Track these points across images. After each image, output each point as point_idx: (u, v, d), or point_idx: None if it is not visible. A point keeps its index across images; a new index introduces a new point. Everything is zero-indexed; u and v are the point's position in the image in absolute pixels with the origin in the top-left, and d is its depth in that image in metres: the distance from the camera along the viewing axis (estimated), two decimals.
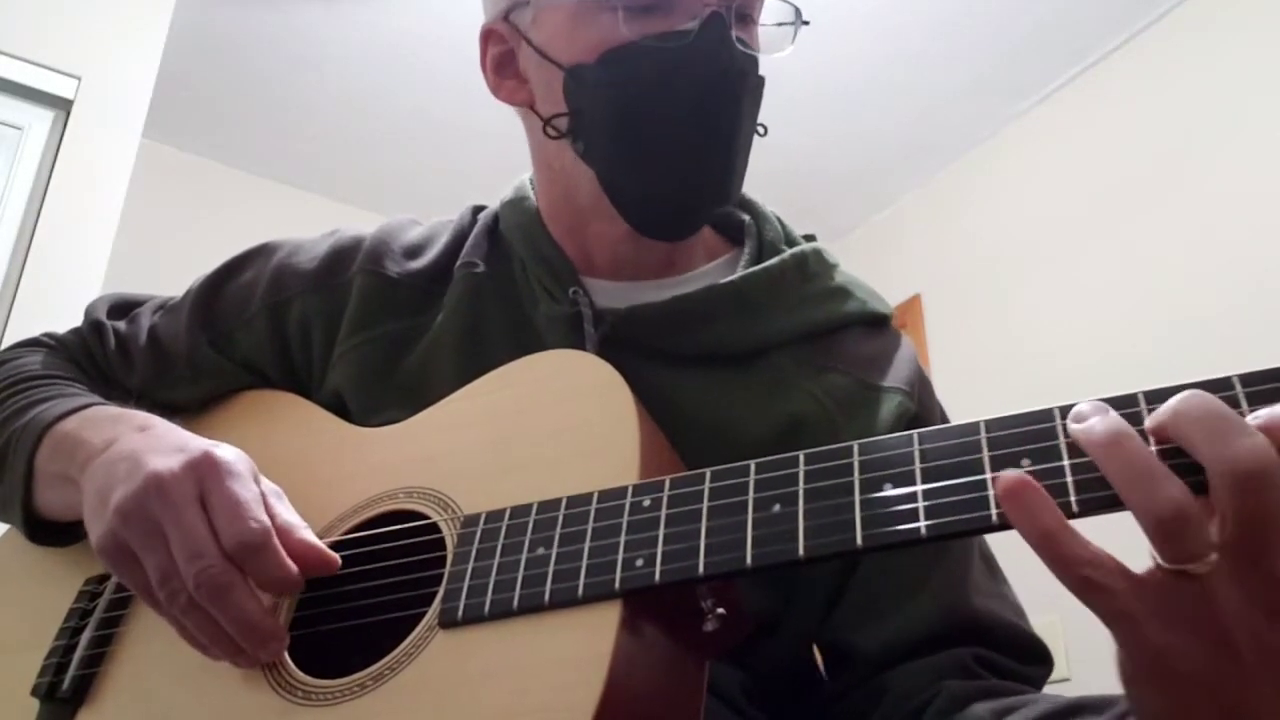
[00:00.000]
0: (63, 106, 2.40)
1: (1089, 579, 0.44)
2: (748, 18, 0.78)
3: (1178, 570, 0.43)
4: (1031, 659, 0.73)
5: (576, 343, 0.76)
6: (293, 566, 0.64)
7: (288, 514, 0.67)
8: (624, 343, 0.77)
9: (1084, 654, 2.30)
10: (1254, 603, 0.42)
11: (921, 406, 0.80)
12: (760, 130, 0.80)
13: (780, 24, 0.80)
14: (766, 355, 0.79)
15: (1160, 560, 0.43)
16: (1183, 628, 0.43)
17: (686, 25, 0.74)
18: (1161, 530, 0.43)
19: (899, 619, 0.72)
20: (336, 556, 0.66)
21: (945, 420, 0.82)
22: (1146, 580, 0.44)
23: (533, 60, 0.81)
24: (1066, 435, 0.48)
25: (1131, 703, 0.49)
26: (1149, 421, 0.46)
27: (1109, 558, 0.45)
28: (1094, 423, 0.46)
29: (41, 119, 2.37)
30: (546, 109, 0.80)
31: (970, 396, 2.80)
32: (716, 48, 0.74)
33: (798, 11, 0.81)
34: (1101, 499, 0.46)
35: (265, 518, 0.64)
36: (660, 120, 0.75)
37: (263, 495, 0.67)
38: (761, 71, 0.78)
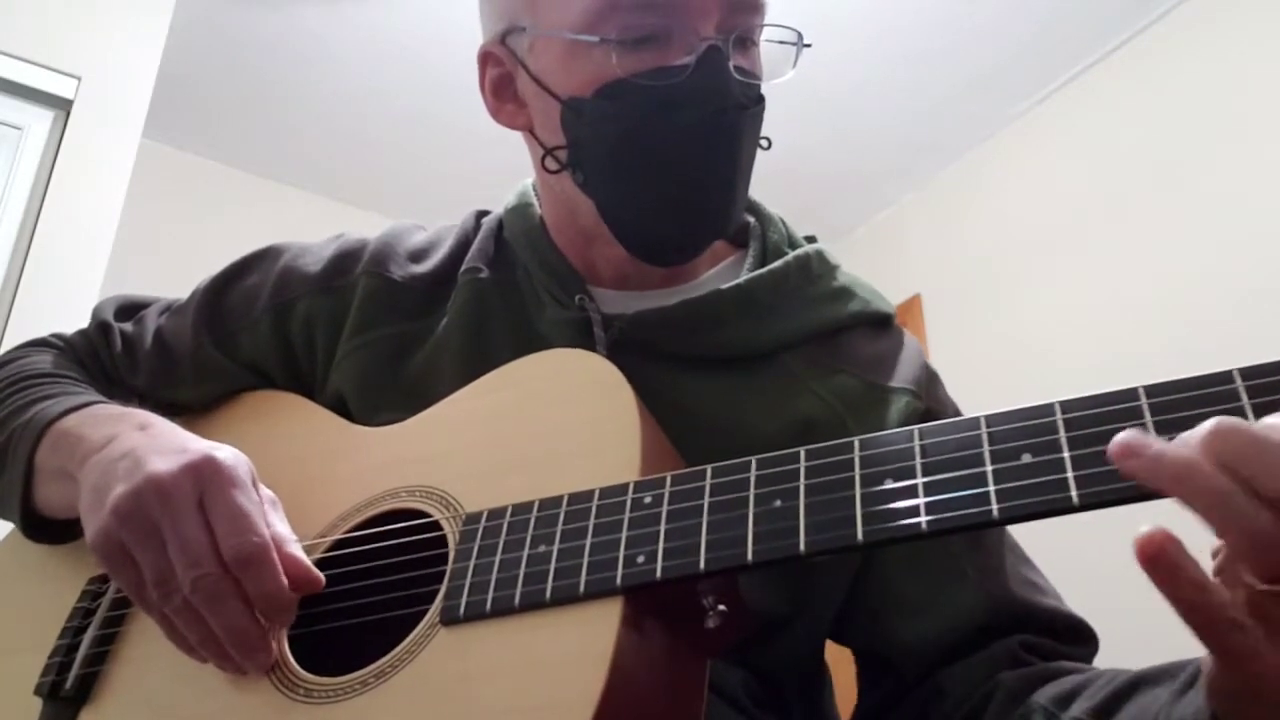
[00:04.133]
0: (63, 106, 2.40)
1: (1235, 622, 0.42)
2: (748, 40, 0.76)
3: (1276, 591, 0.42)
4: (1077, 639, 0.73)
5: (585, 347, 0.75)
6: (287, 584, 0.64)
7: (279, 525, 0.67)
8: (633, 346, 0.76)
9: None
10: None
11: (932, 401, 0.80)
12: (764, 144, 0.79)
13: (782, 43, 0.78)
14: (774, 357, 0.78)
15: (1257, 582, 0.42)
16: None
17: (683, 60, 0.72)
18: (1258, 550, 0.41)
19: (941, 614, 0.72)
20: (321, 576, 0.66)
21: (958, 412, 0.82)
22: (1255, 604, 0.43)
23: (530, 87, 0.79)
24: (1067, 430, 0.48)
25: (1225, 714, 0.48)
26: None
27: (1234, 600, 0.43)
28: (1159, 451, 0.42)
29: (41, 119, 2.38)
30: (545, 137, 0.79)
31: (970, 396, 2.76)
32: (714, 84, 0.72)
33: (799, 35, 0.78)
34: (1104, 494, 0.46)
35: (265, 531, 0.64)
36: (658, 157, 0.74)
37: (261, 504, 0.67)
38: (763, 91, 0.77)
